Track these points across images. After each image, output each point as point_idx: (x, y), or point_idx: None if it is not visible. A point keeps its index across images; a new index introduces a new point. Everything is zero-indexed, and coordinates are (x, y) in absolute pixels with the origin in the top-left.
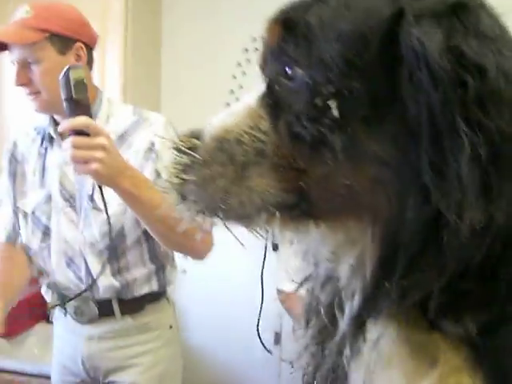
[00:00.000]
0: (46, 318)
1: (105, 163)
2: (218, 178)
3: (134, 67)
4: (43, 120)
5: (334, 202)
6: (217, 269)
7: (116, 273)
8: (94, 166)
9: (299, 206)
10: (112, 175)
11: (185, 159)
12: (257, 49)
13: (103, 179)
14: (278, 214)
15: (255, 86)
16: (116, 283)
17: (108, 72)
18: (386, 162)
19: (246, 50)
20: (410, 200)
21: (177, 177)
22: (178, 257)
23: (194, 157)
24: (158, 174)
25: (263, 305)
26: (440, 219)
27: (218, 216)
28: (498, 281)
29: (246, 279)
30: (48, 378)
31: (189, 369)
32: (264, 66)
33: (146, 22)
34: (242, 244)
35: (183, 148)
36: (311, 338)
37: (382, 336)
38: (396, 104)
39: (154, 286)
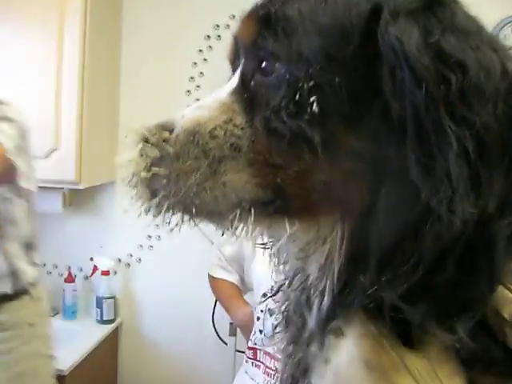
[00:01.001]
0: None
1: None
2: (191, 173)
3: (93, 51)
4: None
5: (309, 198)
6: (172, 258)
7: None
8: None
9: (274, 202)
10: None
11: (155, 152)
12: (219, 36)
13: None
14: (252, 210)
15: (218, 76)
16: None
17: (66, 59)
18: (364, 158)
19: (208, 36)
20: (388, 196)
21: (146, 170)
22: (132, 247)
23: (165, 149)
24: None
25: None
26: (427, 214)
27: (190, 213)
28: (480, 277)
29: (202, 270)
30: None
31: (143, 358)
32: (234, 61)
33: (106, 10)
34: (212, 242)
35: (153, 139)
36: (287, 339)
37: (340, 355)
38: (377, 100)
39: (6, 288)
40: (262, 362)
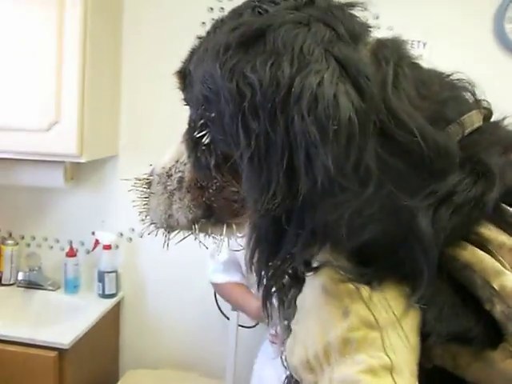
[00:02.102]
0: None
1: None
2: (160, 205)
3: (94, 22)
4: None
5: (232, 207)
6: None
7: None
8: None
9: (212, 216)
10: None
11: (145, 193)
12: (222, 8)
13: None
14: (198, 224)
15: None
16: None
17: (66, 31)
18: (247, 174)
19: (211, 8)
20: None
21: (144, 206)
22: (134, 221)
23: (147, 191)
24: None
25: None
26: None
27: (170, 231)
28: None
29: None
30: None
31: (145, 333)
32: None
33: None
34: (206, 247)
35: (143, 184)
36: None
37: (306, 286)
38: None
39: None
40: None
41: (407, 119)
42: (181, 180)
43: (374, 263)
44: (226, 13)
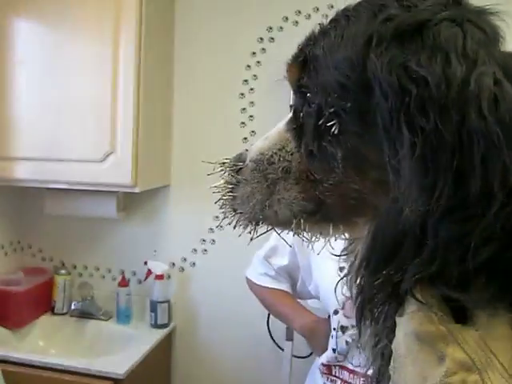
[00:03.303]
0: (51, 310)
1: None
2: (256, 194)
3: (148, 55)
4: None
5: (346, 205)
6: (227, 263)
7: None
8: None
9: (319, 211)
10: None
11: (233, 179)
12: (272, 38)
13: None
14: (303, 219)
15: (272, 79)
16: None
17: (121, 64)
18: (380, 167)
19: (261, 39)
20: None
21: (228, 193)
22: (186, 251)
23: (238, 178)
24: None
25: None
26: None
27: (260, 223)
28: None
29: None
30: (53, 370)
31: (197, 363)
32: (292, 95)
33: (160, 15)
34: (290, 246)
35: (231, 170)
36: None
37: (398, 331)
38: (377, 118)
39: None
40: (337, 377)
41: None
42: (288, 170)
43: (471, 293)
44: (276, 44)
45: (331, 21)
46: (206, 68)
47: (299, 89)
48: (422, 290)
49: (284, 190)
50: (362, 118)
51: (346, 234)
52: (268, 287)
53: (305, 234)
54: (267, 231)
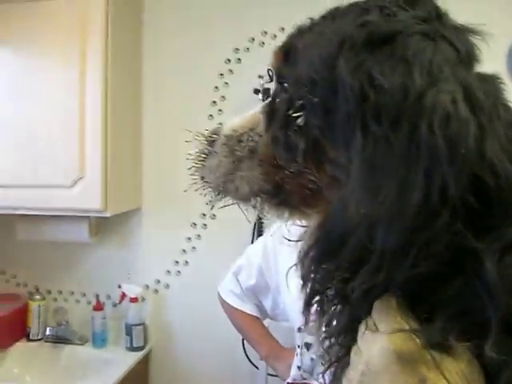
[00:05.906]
0: (26, 336)
1: None
2: (221, 167)
3: (115, 76)
4: None
5: (303, 194)
6: (200, 282)
7: None
8: None
9: (278, 196)
10: None
11: (206, 150)
12: (239, 59)
13: None
14: (261, 199)
15: (240, 99)
16: None
17: (88, 87)
18: (339, 164)
19: (229, 60)
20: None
21: (199, 162)
22: (160, 273)
23: (210, 149)
24: None
25: None
26: None
27: (222, 195)
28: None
29: None
30: None
31: (174, 382)
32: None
33: (128, 34)
34: (249, 221)
35: (206, 141)
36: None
37: (373, 348)
38: (340, 116)
39: None
40: None
41: (497, 162)
42: (253, 150)
43: (438, 315)
44: (242, 64)
45: (321, 16)
46: (175, 90)
47: (279, 76)
48: (400, 308)
49: (247, 168)
50: (326, 115)
51: (303, 221)
52: (237, 309)
53: (264, 213)
54: (229, 205)
